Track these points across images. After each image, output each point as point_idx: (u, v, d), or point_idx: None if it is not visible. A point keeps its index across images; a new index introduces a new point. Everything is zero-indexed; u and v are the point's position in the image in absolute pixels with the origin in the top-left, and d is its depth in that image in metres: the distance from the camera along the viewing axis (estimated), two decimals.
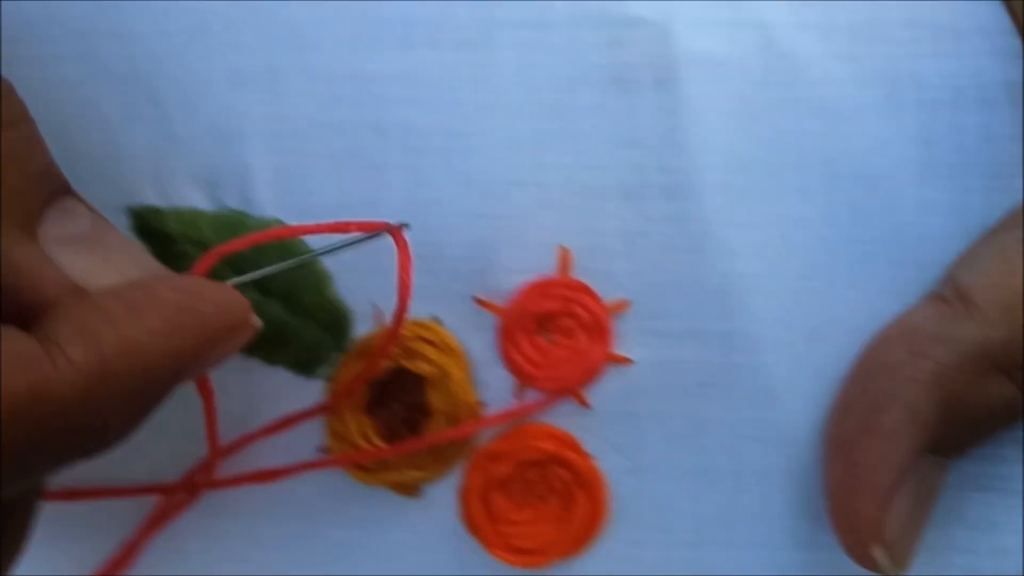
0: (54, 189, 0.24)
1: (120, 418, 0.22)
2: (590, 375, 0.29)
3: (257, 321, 0.25)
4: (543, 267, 0.29)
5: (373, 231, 0.27)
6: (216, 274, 0.26)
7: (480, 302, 0.29)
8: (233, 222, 0.29)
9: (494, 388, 0.29)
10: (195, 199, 0.29)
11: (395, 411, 0.29)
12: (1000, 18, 0.28)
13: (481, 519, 0.29)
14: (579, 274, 0.29)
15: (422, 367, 0.29)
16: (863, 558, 0.27)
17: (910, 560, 0.27)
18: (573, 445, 0.29)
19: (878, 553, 0.26)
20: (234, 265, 0.28)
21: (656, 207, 0.28)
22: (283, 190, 0.29)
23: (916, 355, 0.26)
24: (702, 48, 0.28)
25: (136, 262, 0.25)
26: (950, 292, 0.27)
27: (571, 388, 0.29)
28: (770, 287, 0.29)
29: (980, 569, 0.28)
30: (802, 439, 0.29)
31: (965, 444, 0.27)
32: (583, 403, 0.29)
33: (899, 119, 0.28)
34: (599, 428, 0.29)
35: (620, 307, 0.29)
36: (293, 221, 0.29)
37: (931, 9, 0.28)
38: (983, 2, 0.28)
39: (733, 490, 0.29)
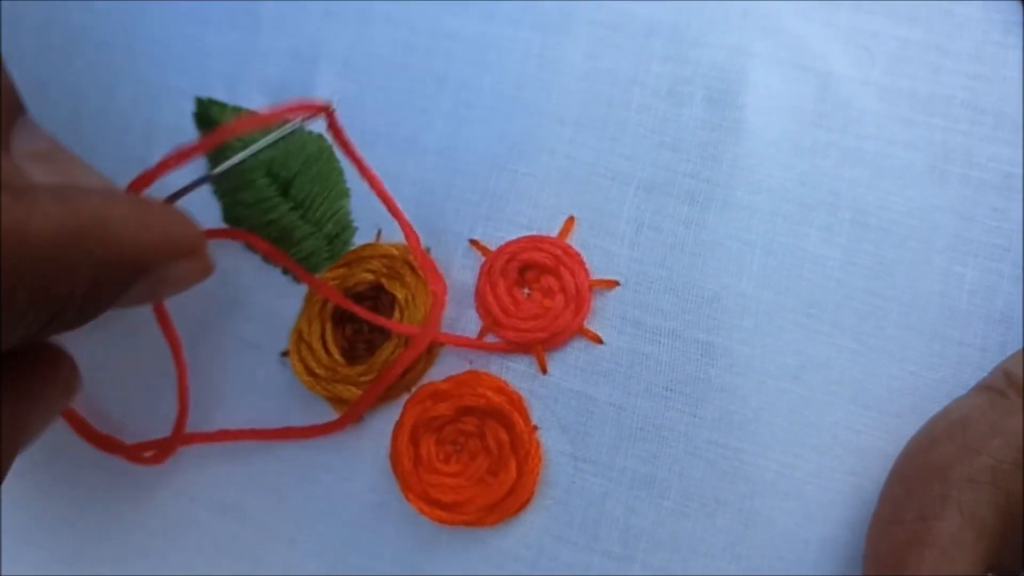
0: (17, 106, 0.25)
1: (84, 287, 0.22)
2: (556, 339, 0.27)
3: (211, 263, 0.25)
4: (546, 231, 0.28)
5: (309, 113, 0.27)
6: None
7: (474, 243, 0.28)
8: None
9: (459, 329, 0.28)
10: (257, 104, 0.31)
11: (360, 327, 0.29)
12: None
13: (406, 459, 0.27)
14: (579, 246, 0.28)
15: (396, 288, 0.28)
16: None
17: None
18: (521, 407, 0.27)
19: None
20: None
21: (676, 207, 0.28)
22: (338, 114, 0.30)
23: (969, 451, 0.23)
24: (763, 80, 0.28)
25: (93, 177, 0.26)
26: (1003, 383, 0.24)
27: (533, 345, 0.27)
28: (769, 314, 0.27)
29: None
30: (761, 481, 0.26)
31: None
32: (541, 364, 0.27)
33: (942, 188, 0.28)
34: (552, 400, 0.27)
35: (607, 284, 0.28)
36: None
37: (996, 98, 0.28)
38: None
39: (674, 512, 0.26)
